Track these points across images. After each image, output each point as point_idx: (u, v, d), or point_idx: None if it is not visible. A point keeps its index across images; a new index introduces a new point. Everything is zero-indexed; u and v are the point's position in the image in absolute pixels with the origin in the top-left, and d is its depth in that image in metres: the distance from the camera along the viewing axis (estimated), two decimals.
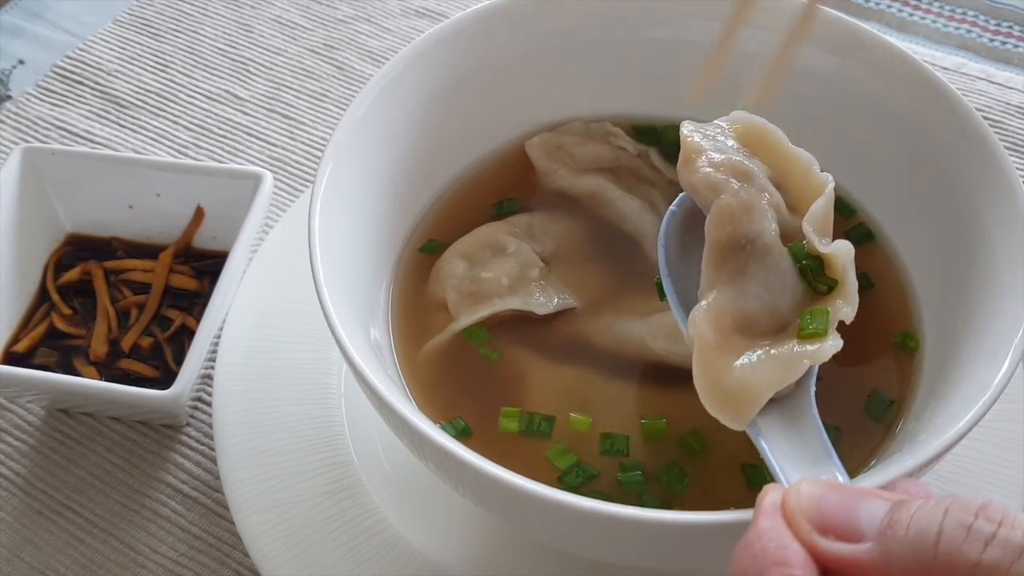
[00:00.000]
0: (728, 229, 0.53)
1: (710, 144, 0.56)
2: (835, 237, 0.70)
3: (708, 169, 0.55)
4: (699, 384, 0.51)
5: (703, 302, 0.52)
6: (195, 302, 0.79)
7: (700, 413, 0.51)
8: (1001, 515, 0.33)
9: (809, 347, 0.50)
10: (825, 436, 0.49)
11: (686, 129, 0.57)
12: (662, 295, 0.57)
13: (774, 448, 0.49)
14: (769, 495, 0.39)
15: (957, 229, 0.62)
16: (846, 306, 0.52)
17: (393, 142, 0.66)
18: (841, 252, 0.53)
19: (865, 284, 0.66)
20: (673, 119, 0.75)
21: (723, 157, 0.55)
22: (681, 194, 0.59)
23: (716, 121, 0.58)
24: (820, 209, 0.54)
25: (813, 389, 0.52)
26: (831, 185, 0.55)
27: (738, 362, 0.50)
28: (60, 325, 0.77)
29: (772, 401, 0.51)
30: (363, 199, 0.63)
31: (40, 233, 0.81)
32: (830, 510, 0.37)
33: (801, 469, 0.47)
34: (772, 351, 0.50)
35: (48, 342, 0.77)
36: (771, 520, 0.37)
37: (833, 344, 0.50)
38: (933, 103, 0.64)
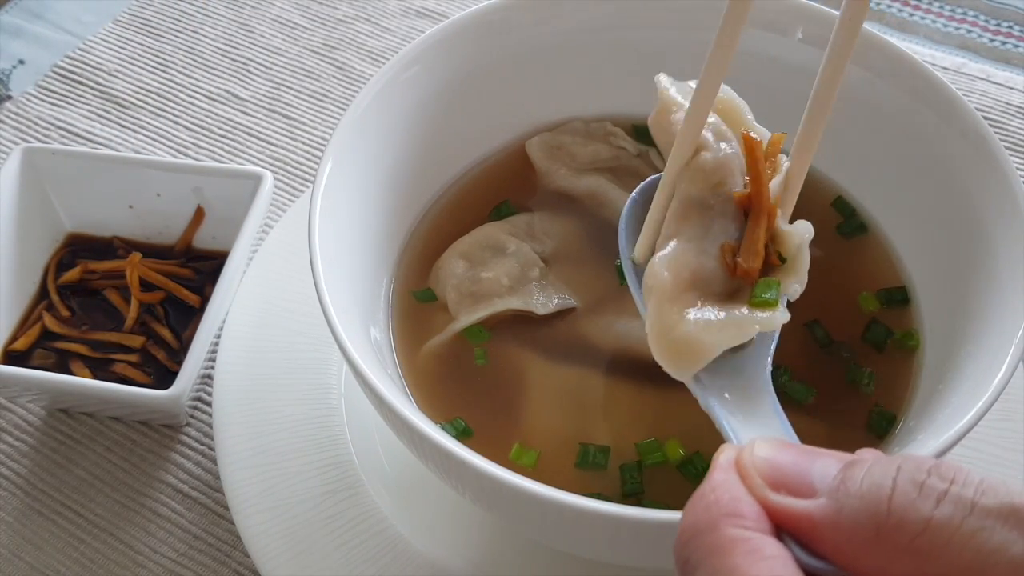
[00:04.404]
0: (700, 186, 0.53)
1: (687, 101, 0.56)
2: (833, 235, 0.70)
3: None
4: (651, 330, 0.51)
5: (663, 251, 0.52)
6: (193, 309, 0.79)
7: (699, 413, 0.51)
8: (953, 473, 0.33)
9: (760, 314, 0.50)
10: (778, 405, 0.49)
11: (665, 82, 0.57)
12: (622, 279, 0.57)
13: (726, 410, 0.49)
14: (725, 452, 0.39)
15: (957, 229, 0.62)
16: (795, 283, 0.52)
17: (393, 142, 0.66)
18: (798, 232, 0.53)
19: (901, 297, 0.67)
20: None
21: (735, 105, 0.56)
22: (643, 182, 0.59)
23: (690, 83, 0.58)
24: (777, 186, 0.54)
25: (769, 358, 0.52)
26: (786, 164, 0.54)
27: (691, 315, 0.50)
28: (52, 326, 0.77)
29: (726, 366, 0.51)
30: (363, 199, 0.63)
31: (40, 233, 0.81)
32: (783, 467, 0.37)
33: (753, 431, 0.47)
34: (724, 312, 0.51)
35: (43, 343, 0.77)
36: (726, 475, 0.37)
37: (782, 316, 0.50)
38: (933, 103, 0.64)
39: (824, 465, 0.36)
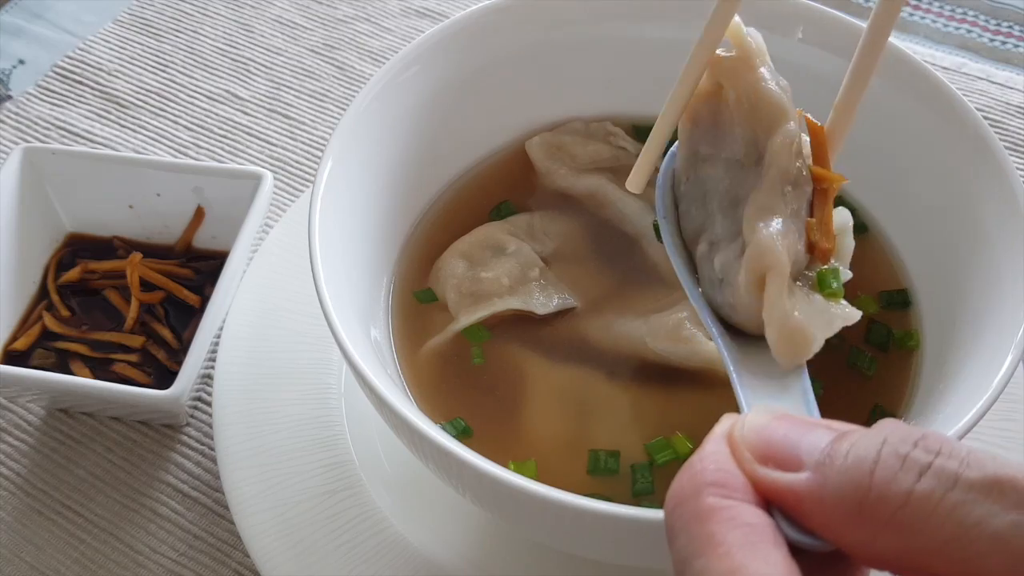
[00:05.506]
0: (792, 159, 0.52)
1: (769, 66, 0.54)
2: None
3: (774, 86, 0.53)
4: (770, 316, 0.48)
5: (773, 226, 0.49)
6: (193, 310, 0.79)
7: (700, 414, 0.51)
8: (940, 444, 0.33)
9: (839, 308, 0.50)
10: (809, 389, 0.48)
11: (753, 32, 0.55)
12: (659, 237, 0.58)
13: (747, 386, 0.48)
14: (723, 423, 0.39)
15: (957, 229, 0.62)
16: (844, 269, 0.52)
17: (393, 142, 0.66)
18: (839, 216, 0.53)
19: (901, 299, 0.67)
20: None
21: (783, 83, 0.54)
22: (678, 143, 0.58)
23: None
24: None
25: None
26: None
27: (796, 303, 0.49)
28: (52, 326, 0.77)
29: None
30: (363, 199, 0.63)
31: (40, 233, 0.81)
32: (773, 440, 0.36)
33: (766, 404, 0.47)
34: (815, 303, 0.49)
35: (43, 343, 0.77)
36: (716, 446, 0.37)
37: (857, 311, 0.50)
38: (933, 103, 0.64)
39: (815, 438, 0.36)
